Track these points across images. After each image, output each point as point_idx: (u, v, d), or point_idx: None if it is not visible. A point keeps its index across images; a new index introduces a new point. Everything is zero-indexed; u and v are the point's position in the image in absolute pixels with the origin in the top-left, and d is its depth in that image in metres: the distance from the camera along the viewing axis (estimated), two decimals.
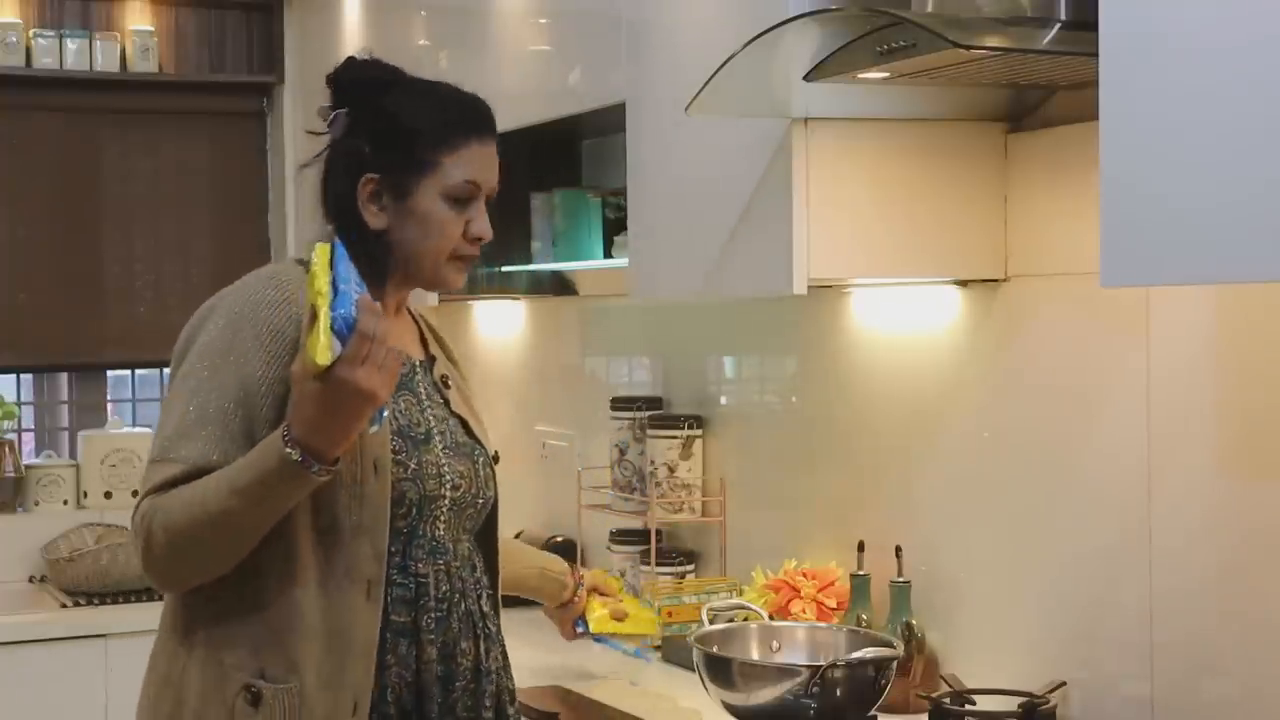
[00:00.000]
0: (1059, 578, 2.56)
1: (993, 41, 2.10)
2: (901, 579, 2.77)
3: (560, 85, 3.35)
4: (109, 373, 5.13)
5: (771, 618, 2.87)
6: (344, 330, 1.91)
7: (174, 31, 4.96)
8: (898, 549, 2.77)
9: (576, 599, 2.85)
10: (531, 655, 2.97)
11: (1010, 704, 2.47)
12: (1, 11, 4.74)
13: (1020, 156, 2.61)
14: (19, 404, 4.93)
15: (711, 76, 2.43)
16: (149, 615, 2.40)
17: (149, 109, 4.95)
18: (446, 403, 2.26)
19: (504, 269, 3.88)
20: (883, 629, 2.75)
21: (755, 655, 2.74)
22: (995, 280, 2.65)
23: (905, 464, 2.88)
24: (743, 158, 2.63)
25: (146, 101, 4.94)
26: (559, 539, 3.79)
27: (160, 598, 2.19)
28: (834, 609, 2.91)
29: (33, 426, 5.10)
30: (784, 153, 2.53)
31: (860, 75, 2.28)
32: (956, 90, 2.50)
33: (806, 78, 2.33)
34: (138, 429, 4.88)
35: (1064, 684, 2.51)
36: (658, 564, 3.39)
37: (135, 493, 2.26)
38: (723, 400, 3.45)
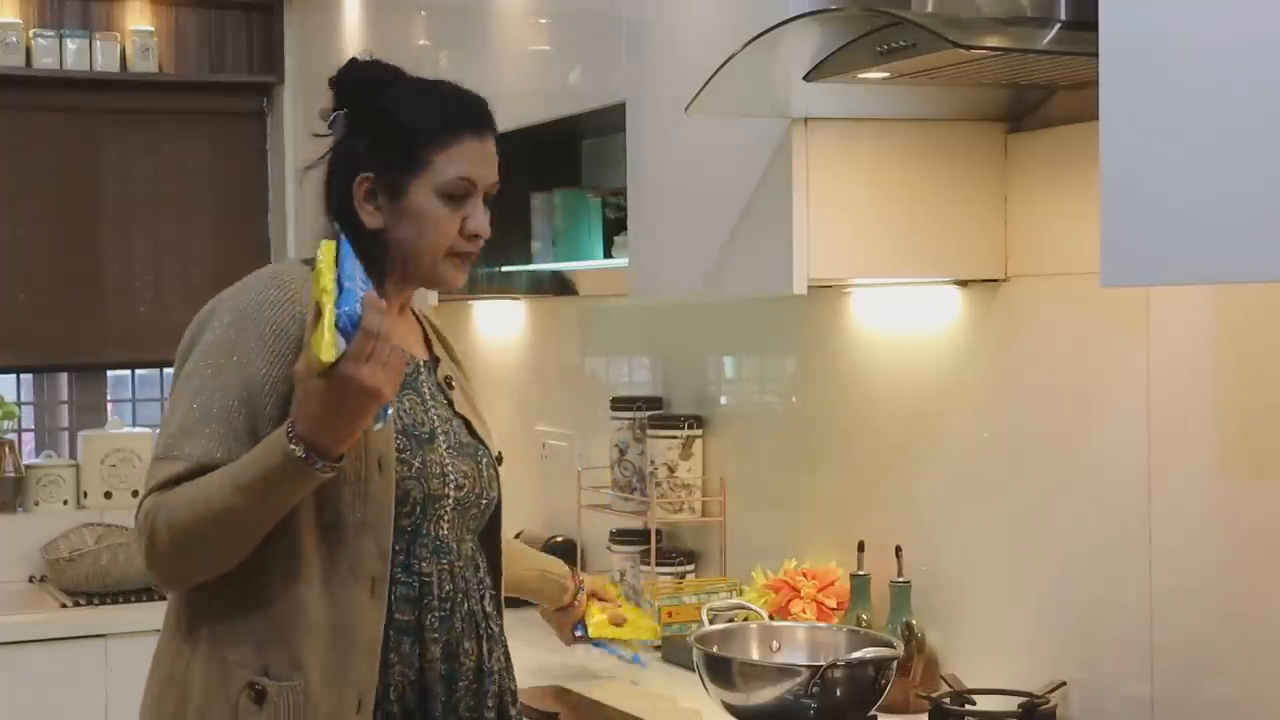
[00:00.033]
0: (1059, 578, 2.56)
1: (993, 41, 2.10)
2: (901, 579, 2.77)
3: (560, 85, 3.35)
4: (109, 373, 5.13)
5: (771, 618, 2.87)
6: (349, 327, 1.90)
7: (174, 31, 4.96)
8: (898, 549, 2.77)
9: (576, 603, 2.85)
10: (532, 655, 2.96)
11: (1010, 704, 2.47)
12: (1, 11, 4.74)
13: (1020, 156, 2.61)
14: (19, 404, 4.93)
15: (711, 76, 2.43)
16: (149, 615, 2.40)
17: (149, 109, 4.95)
18: (450, 403, 2.26)
19: (504, 269, 3.88)
20: (883, 629, 2.75)
21: (755, 655, 2.74)
22: (995, 280, 2.65)
23: (905, 464, 2.88)
24: (743, 158, 2.63)
25: (146, 101, 4.94)
26: (559, 539, 3.79)
27: (160, 598, 2.20)
28: (834, 609, 2.91)
29: (33, 426, 5.10)
30: (784, 153, 2.53)
31: (860, 75, 2.28)
32: (956, 90, 2.50)
33: (806, 78, 2.33)
34: (138, 429, 4.87)
35: (1064, 684, 2.51)
36: (658, 564, 3.38)
37: (135, 493, 2.26)
38: (723, 400, 3.45)
